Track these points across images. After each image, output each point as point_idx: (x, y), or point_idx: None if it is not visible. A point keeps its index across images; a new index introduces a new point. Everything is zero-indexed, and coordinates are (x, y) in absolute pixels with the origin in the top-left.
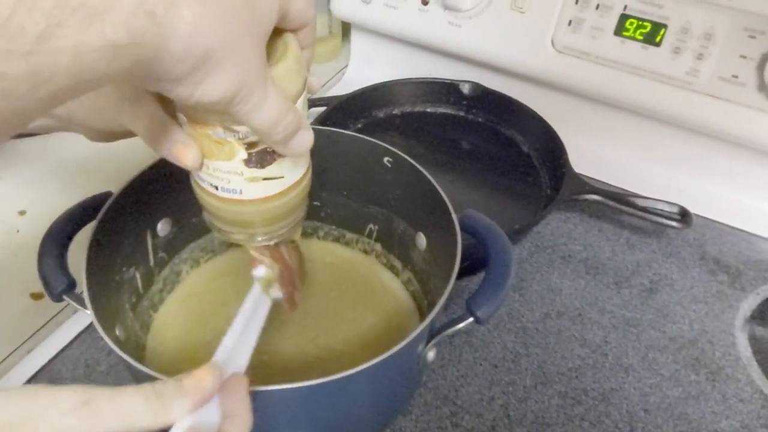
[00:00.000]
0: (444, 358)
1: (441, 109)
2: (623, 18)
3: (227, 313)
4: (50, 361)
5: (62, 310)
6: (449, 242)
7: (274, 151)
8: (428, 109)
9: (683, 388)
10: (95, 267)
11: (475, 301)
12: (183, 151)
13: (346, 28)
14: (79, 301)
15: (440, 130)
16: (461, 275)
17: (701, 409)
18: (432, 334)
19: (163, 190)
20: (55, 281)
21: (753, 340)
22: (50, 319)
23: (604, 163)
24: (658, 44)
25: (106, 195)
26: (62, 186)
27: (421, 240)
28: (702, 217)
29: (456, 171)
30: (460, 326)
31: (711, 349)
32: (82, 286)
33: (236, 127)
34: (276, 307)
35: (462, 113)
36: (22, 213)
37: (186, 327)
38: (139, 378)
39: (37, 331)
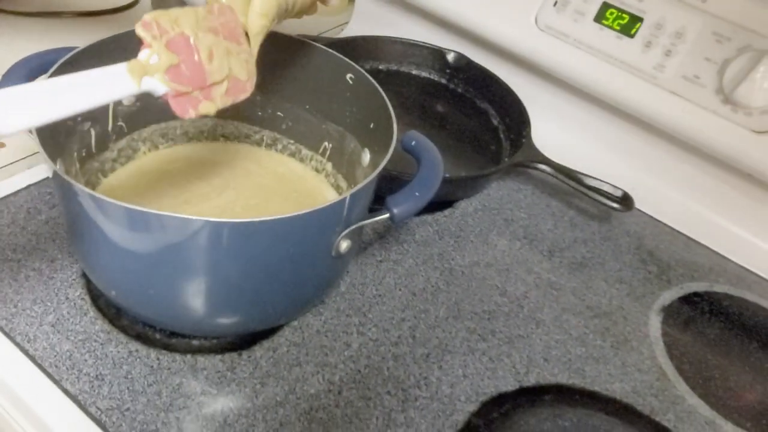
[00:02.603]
0: (366, 278)
1: (424, 74)
2: (605, 6)
3: (171, 193)
4: None
5: (17, 161)
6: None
7: None
8: (413, 71)
9: (587, 350)
10: None
11: (394, 199)
12: None
13: None
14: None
15: (419, 93)
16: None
17: (599, 369)
18: (349, 221)
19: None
20: None
21: (665, 325)
22: (4, 166)
23: (563, 145)
24: (632, 36)
25: (71, 49)
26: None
27: (366, 156)
28: (647, 214)
29: (423, 130)
30: (375, 219)
31: (623, 323)
32: None
33: None
34: (215, 190)
35: (444, 81)
36: None
37: (131, 197)
38: (75, 212)
39: None
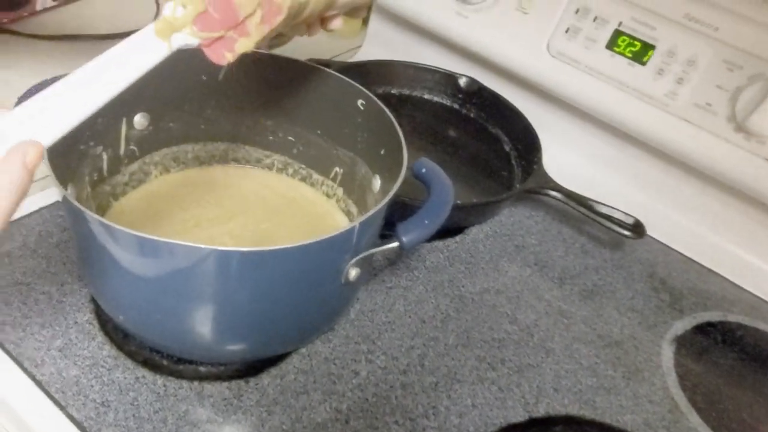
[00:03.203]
0: (376, 304)
1: (437, 98)
2: (617, 33)
3: (182, 217)
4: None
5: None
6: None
7: None
8: (425, 96)
9: (598, 380)
10: None
11: (404, 227)
12: None
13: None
14: None
15: (432, 118)
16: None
17: (610, 400)
18: (358, 249)
19: (148, 84)
20: None
21: (678, 355)
22: None
23: (574, 171)
24: (644, 63)
25: None
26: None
27: (376, 182)
28: (660, 242)
29: (435, 156)
30: (385, 248)
31: (635, 353)
32: None
33: None
34: (226, 214)
35: (456, 106)
36: None
37: (141, 221)
38: (85, 238)
39: None
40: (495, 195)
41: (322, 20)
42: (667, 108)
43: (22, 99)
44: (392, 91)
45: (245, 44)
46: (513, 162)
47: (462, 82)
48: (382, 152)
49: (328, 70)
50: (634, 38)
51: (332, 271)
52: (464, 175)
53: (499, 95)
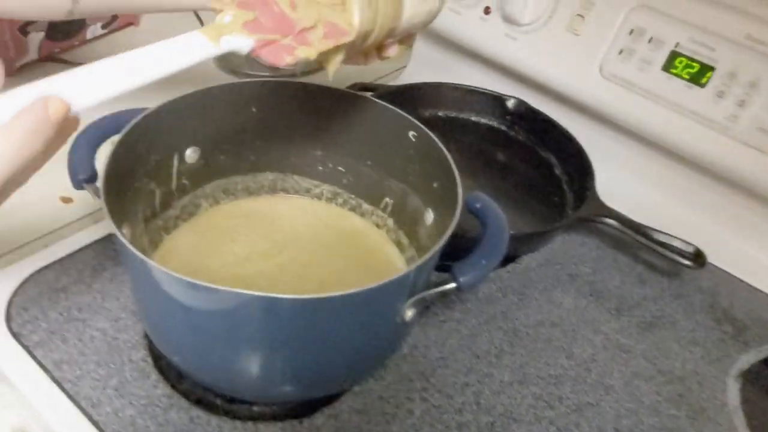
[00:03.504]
0: (429, 339)
1: (484, 120)
2: (673, 55)
3: (233, 249)
4: (62, 259)
5: (84, 217)
6: (452, 218)
7: None
8: (472, 118)
9: (660, 419)
10: (117, 165)
11: (460, 268)
12: None
13: None
14: (97, 192)
15: (479, 140)
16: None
17: None
18: (414, 290)
19: (199, 118)
20: (80, 169)
21: (744, 392)
22: (72, 222)
23: (629, 196)
24: (702, 85)
25: (142, 110)
26: None
27: (429, 215)
28: (721, 269)
29: (484, 181)
30: (442, 289)
31: (698, 390)
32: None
33: None
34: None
35: (504, 128)
36: None
37: (193, 255)
38: (140, 280)
39: (58, 229)
40: (547, 221)
41: (378, 48)
42: (728, 132)
43: (77, 141)
44: (439, 114)
45: (306, 51)
46: (564, 186)
47: (510, 103)
48: (435, 186)
49: (378, 101)
50: (692, 59)
51: (388, 313)
52: (515, 200)
53: (549, 117)
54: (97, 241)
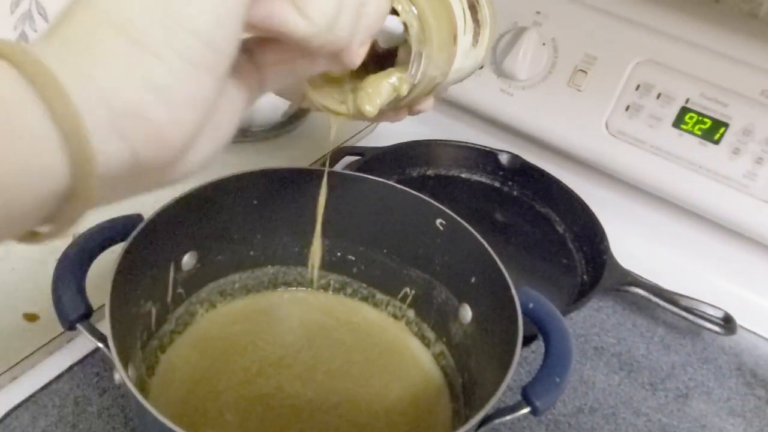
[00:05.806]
0: None
1: (476, 177)
2: (684, 111)
3: (241, 364)
4: (36, 393)
5: (56, 337)
6: (503, 321)
7: None
8: (463, 175)
9: None
10: (119, 297)
11: (533, 390)
12: None
13: None
14: (93, 332)
15: (473, 198)
16: None
17: None
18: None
19: (196, 220)
20: (71, 307)
21: None
22: (42, 346)
23: (644, 256)
24: (716, 142)
25: (137, 217)
26: None
27: (466, 312)
28: (742, 327)
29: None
30: (515, 415)
31: None
32: (104, 317)
33: None
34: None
35: (497, 184)
36: None
37: (195, 374)
38: (145, 426)
39: (27, 357)
40: (560, 287)
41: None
42: (748, 190)
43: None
44: (428, 173)
45: None
46: (571, 246)
47: (503, 158)
48: (473, 281)
49: (399, 186)
50: (704, 115)
51: None
52: (521, 264)
53: (546, 171)
54: (74, 365)
